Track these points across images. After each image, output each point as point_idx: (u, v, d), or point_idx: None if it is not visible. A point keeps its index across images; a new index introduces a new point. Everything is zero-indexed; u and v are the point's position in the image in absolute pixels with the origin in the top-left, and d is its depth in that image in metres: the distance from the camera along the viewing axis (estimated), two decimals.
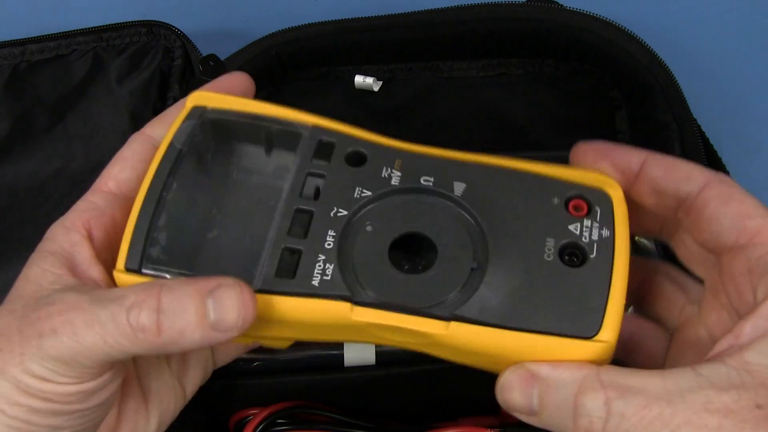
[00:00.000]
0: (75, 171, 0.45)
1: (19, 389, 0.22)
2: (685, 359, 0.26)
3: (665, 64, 0.43)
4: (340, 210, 0.25)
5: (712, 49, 0.53)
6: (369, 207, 0.25)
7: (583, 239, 0.24)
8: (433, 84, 0.49)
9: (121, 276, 0.24)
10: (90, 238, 0.25)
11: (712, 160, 0.41)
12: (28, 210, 0.44)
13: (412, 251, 0.25)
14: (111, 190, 0.27)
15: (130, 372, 0.27)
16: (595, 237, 0.24)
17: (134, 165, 0.27)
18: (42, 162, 0.45)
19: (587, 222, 0.24)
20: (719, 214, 0.23)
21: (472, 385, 0.36)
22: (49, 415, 0.23)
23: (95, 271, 0.25)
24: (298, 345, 0.34)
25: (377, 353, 0.36)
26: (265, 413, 0.35)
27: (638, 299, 0.29)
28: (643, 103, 0.45)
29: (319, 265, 0.24)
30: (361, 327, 0.24)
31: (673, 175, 0.25)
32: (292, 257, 0.24)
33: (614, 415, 0.20)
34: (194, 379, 0.30)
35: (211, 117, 0.27)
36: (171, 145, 0.26)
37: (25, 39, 0.49)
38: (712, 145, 0.42)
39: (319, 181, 0.25)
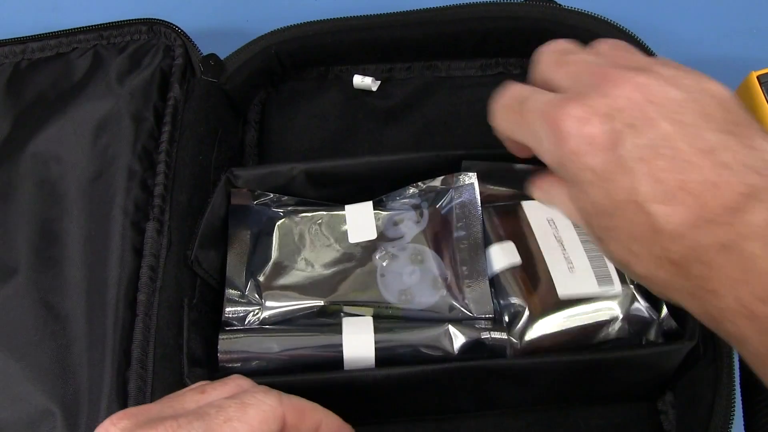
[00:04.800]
0: (75, 169, 0.45)
1: None
2: None
3: None
4: None
5: (713, 49, 0.53)
6: None
7: None
8: (432, 83, 0.49)
9: None
10: None
11: None
12: (29, 209, 0.44)
13: None
14: None
15: None
16: None
17: None
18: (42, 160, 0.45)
19: None
20: None
21: (479, 385, 0.36)
22: None
23: None
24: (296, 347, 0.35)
25: (377, 351, 0.36)
26: None
27: None
28: None
29: None
30: None
31: None
32: None
33: None
34: None
35: None
36: None
37: (26, 37, 0.49)
38: None
39: None
